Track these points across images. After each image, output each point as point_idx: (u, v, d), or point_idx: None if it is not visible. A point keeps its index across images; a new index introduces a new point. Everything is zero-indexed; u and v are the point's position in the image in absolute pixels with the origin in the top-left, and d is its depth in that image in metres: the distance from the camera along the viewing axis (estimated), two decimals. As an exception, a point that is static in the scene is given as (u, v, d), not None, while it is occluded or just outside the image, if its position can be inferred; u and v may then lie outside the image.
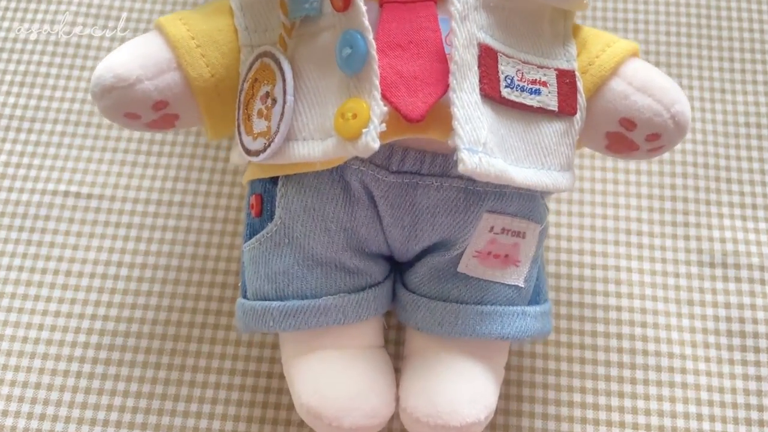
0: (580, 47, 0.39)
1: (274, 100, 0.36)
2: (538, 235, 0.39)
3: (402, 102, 0.33)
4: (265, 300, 0.39)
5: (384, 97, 0.33)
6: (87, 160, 0.51)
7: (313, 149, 0.35)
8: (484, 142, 0.33)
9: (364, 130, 0.32)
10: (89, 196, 0.50)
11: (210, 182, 0.50)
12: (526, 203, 0.38)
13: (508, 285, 0.39)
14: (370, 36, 0.33)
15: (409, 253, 0.39)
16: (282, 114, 0.35)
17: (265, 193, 0.39)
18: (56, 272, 0.47)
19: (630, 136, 0.39)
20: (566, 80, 0.38)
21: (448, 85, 0.34)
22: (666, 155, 0.52)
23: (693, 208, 0.50)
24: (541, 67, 0.37)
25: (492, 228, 0.38)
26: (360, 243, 0.38)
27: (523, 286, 0.39)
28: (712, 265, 0.49)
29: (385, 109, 0.32)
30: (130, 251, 0.48)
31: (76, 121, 0.52)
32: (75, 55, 0.55)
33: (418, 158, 0.36)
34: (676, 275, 0.48)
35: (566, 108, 0.37)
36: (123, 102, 0.37)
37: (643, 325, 0.47)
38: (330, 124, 0.34)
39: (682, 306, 0.48)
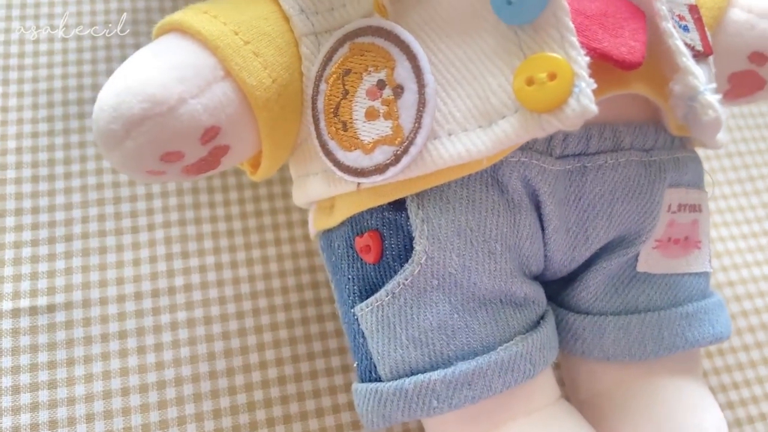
0: (681, -20, 0.33)
1: (399, 88, 0.25)
2: (708, 205, 0.32)
3: (609, 45, 0.24)
4: (415, 373, 0.27)
5: (581, 44, 0.24)
6: (31, 259, 0.35)
7: (475, 143, 0.25)
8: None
9: (574, 91, 0.23)
10: (50, 308, 0.34)
11: (216, 251, 0.37)
12: (697, 168, 0.31)
13: (697, 273, 0.31)
14: None
15: (573, 264, 0.30)
16: (421, 102, 0.25)
17: (384, 228, 0.27)
18: (34, 427, 0.32)
19: (760, 71, 0.33)
20: (695, 15, 0.31)
21: (644, 18, 0.25)
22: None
23: (750, 160, 0.46)
24: (677, 2, 0.30)
25: (669, 207, 0.30)
26: (522, 263, 0.28)
27: (710, 270, 0.31)
28: (790, 214, 0.45)
29: (588, 59, 0.23)
30: (134, 370, 0.34)
31: (1, 210, 0.36)
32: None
33: (583, 134, 0.27)
34: (765, 233, 0.44)
35: (707, 47, 0.31)
36: (162, 136, 0.24)
37: (761, 294, 0.42)
38: (500, 100, 0.24)
39: (786, 264, 0.43)
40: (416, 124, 0.25)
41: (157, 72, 0.25)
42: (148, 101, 0.24)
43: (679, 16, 0.30)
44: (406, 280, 0.27)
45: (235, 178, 0.39)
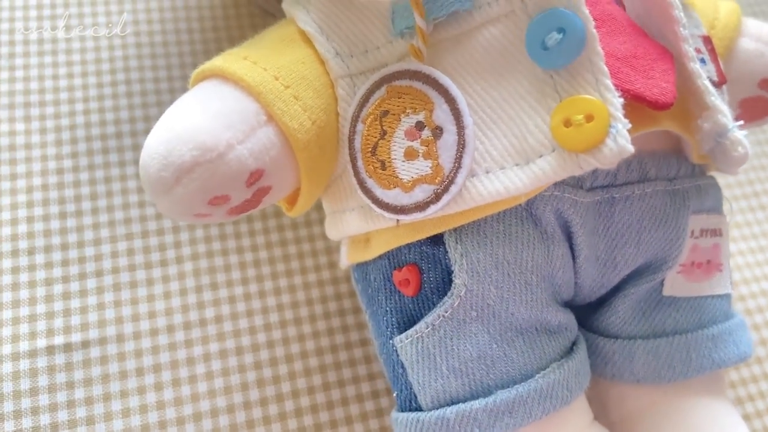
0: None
1: (439, 130, 0.26)
2: (728, 229, 0.33)
3: (642, 87, 0.25)
4: (456, 403, 0.28)
5: (615, 86, 0.25)
6: (62, 296, 0.36)
7: (513, 180, 0.26)
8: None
9: (611, 131, 0.24)
10: (85, 345, 0.35)
11: (244, 281, 0.38)
12: (717, 194, 0.32)
13: (720, 296, 0.32)
14: (586, 9, 0.24)
15: (602, 290, 0.31)
16: (461, 143, 0.26)
17: (423, 261, 0.28)
18: (75, 465, 0.32)
19: (770, 97, 0.35)
20: (709, 47, 0.32)
21: (672, 59, 0.26)
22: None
23: (753, 176, 0.48)
24: (691, 36, 0.32)
25: (692, 232, 0.31)
26: (555, 291, 0.29)
27: (731, 292, 0.32)
28: (794, 228, 0.46)
29: (622, 100, 0.24)
30: (170, 403, 0.34)
31: (29, 248, 0.37)
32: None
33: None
34: (772, 247, 0.45)
35: (721, 77, 0.32)
36: (212, 182, 0.25)
37: (771, 308, 0.43)
38: (537, 140, 0.25)
39: (792, 277, 0.44)
40: (456, 164, 0.26)
41: (205, 119, 0.25)
42: (198, 148, 0.25)
43: (696, 49, 0.31)
44: (446, 312, 0.28)
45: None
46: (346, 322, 0.38)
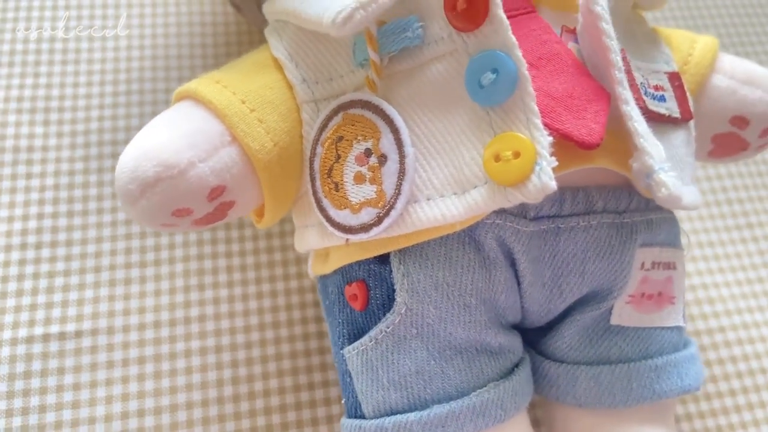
0: (667, 47, 0.35)
1: (383, 157, 0.28)
2: (684, 263, 0.33)
3: (571, 127, 0.26)
4: (395, 413, 0.30)
5: (545, 125, 0.26)
6: (62, 288, 0.39)
7: (449, 208, 0.27)
8: (666, 159, 0.27)
9: (536, 169, 0.25)
10: (78, 334, 0.38)
11: (230, 284, 0.40)
12: (671, 228, 0.33)
13: (670, 328, 0.33)
14: (519, 52, 0.26)
15: (549, 316, 0.32)
16: (402, 171, 0.28)
17: (370, 278, 0.30)
18: (58, 444, 0.35)
19: (742, 134, 0.35)
20: (676, 83, 0.33)
21: (608, 100, 0.28)
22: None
23: (749, 207, 0.48)
24: (654, 72, 0.33)
25: (643, 264, 0.32)
26: (498, 315, 0.31)
27: (684, 325, 0.33)
28: (787, 262, 0.46)
29: (551, 139, 0.26)
30: (150, 393, 0.37)
31: (36, 243, 0.40)
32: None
33: (557, 198, 0.29)
34: (760, 280, 0.45)
35: (685, 113, 0.33)
36: (173, 196, 0.28)
37: (750, 341, 0.43)
38: (471, 171, 0.27)
39: (776, 312, 0.44)
40: (397, 191, 0.28)
41: (170, 138, 0.28)
42: (161, 165, 0.27)
43: (655, 87, 0.32)
44: (388, 328, 0.29)
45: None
46: (322, 328, 0.40)
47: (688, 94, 0.34)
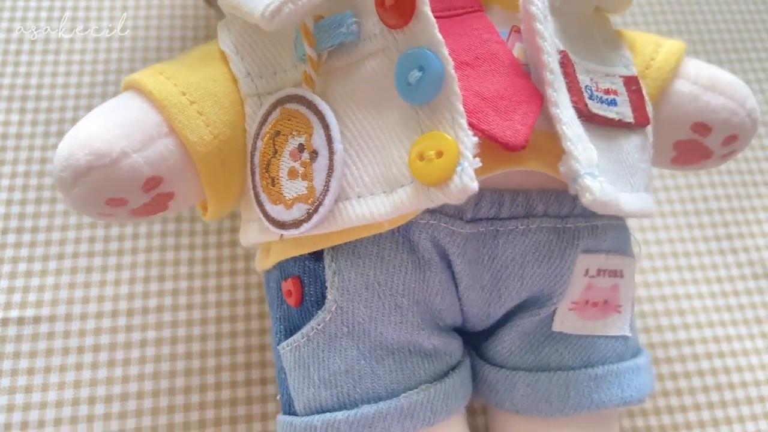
0: (629, 51, 0.34)
1: (315, 153, 0.28)
2: (633, 272, 0.33)
3: (496, 128, 0.26)
4: (325, 411, 0.29)
5: (471, 125, 0.26)
6: (25, 274, 0.40)
7: (377, 206, 0.27)
8: (597, 164, 0.27)
9: (457, 169, 0.25)
10: (36, 320, 0.38)
11: (190, 276, 0.41)
12: (619, 235, 0.32)
13: (614, 337, 0.32)
14: (445, 51, 0.25)
15: (490, 320, 0.32)
16: (330, 168, 0.27)
17: (305, 275, 0.30)
18: (7, 427, 0.36)
19: (705, 142, 0.34)
20: (633, 87, 0.32)
21: (540, 102, 0.27)
22: (689, 167, 0.48)
23: (731, 218, 0.46)
24: (608, 75, 0.32)
25: (587, 271, 0.31)
26: (434, 317, 0.30)
27: (629, 335, 0.32)
28: (766, 275, 0.45)
29: (476, 139, 0.25)
30: (102, 381, 0.37)
31: (2, 228, 0.41)
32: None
33: (495, 200, 0.29)
34: (736, 293, 0.44)
35: (640, 118, 0.32)
36: (105, 185, 0.28)
37: (720, 355, 0.42)
38: (399, 170, 0.27)
39: (751, 326, 0.43)
40: (325, 187, 0.27)
41: (105, 128, 0.28)
42: (93, 154, 0.27)
43: (606, 90, 0.31)
44: (319, 325, 0.29)
45: (216, 209, 0.43)
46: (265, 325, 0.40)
47: (646, 98, 0.33)
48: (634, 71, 0.33)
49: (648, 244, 0.45)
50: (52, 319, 0.39)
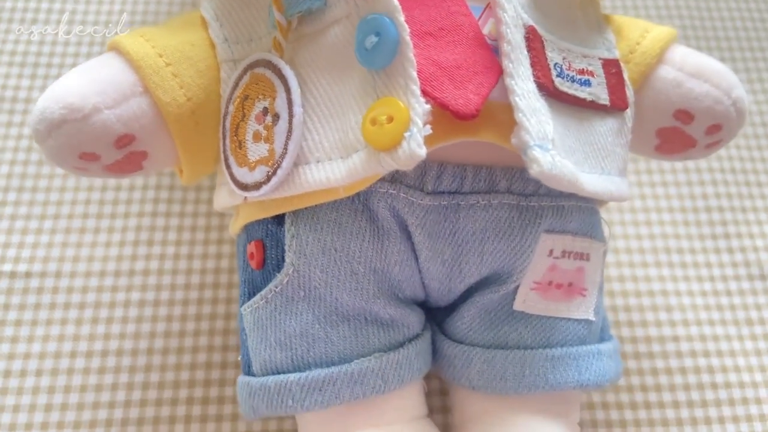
0: (615, 34, 0.34)
1: (276, 116, 0.28)
2: (602, 256, 0.32)
3: (449, 96, 0.26)
4: (279, 373, 0.30)
5: (425, 92, 0.26)
6: (21, 231, 0.41)
7: (333, 171, 0.27)
8: (552, 139, 0.26)
9: (405, 134, 0.25)
10: (28, 275, 0.40)
11: (178, 242, 0.42)
12: (587, 218, 0.32)
13: (577, 320, 0.32)
14: (401, 17, 0.26)
15: (451, 295, 0.32)
16: (289, 131, 0.28)
17: (267, 238, 0.30)
18: (-8, 374, 0.37)
19: (687, 130, 0.33)
20: (612, 70, 0.32)
21: (499, 74, 0.27)
22: (690, 162, 0.47)
23: (730, 217, 0.45)
24: (585, 57, 0.31)
25: (551, 252, 0.31)
26: (393, 287, 0.30)
27: (593, 319, 0.32)
28: (762, 277, 0.43)
29: (428, 107, 0.25)
30: (85, 337, 0.39)
31: (5, 186, 0.42)
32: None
33: (458, 174, 0.29)
34: (728, 293, 0.43)
35: (617, 102, 0.32)
36: (77, 139, 0.29)
37: (706, 354, 0.41)
38: (354, 135, 0.27)
39: (741, 327, 0.42)
40: (284, 150, 0.28)
41: (80, 84, 0.29)
42: (66, 108, 0.28)
43: (580, 70, 0.31)
44: (277, 287, 0.30)
45: (209, 179, 0.44)
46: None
47: (627, 83, 0.32)
48: (616, 54, 0.33)
49: (640, 239, 0.44)
50: (43, 275, 0.40)
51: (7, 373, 0.37)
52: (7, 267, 0.40)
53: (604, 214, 0.43)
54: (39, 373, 0.38)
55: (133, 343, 0.39)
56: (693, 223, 0.45)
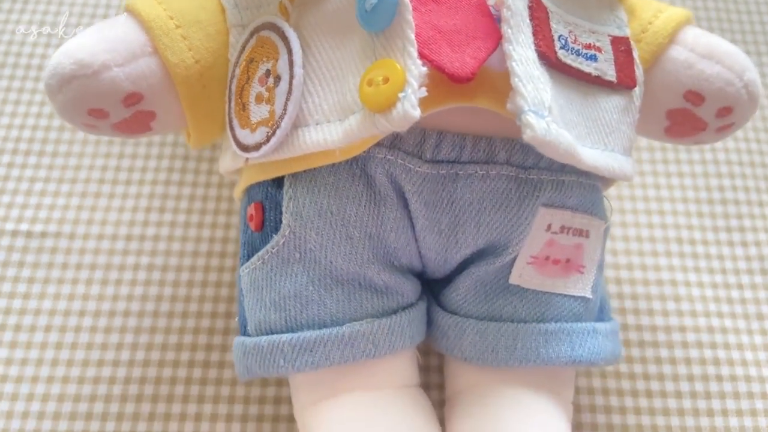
0: (628, 14, 0.34)
1: (278, 78, 0.29)
2: (603, 234, 0.32)
3: (446, 59, 0.26)
4: (273, 333, 0.30)
5: (422, 55, 0.26)
6: (40, 193, 0.42)
7: (331, 133, 0.28)
8: (549, 107, 0.26)
9: (400, 95, 0.25)
10: (43, 235, 0.41)
11: (189, 211, 0.42)
12: (588, 195, 0.31)
13: (574, 297, 0.31)
14: None
15: (448, 265, 0.32)
16: (289, 91, 0.28)
17: (266, 200, 0.31)
18: (3, 327, 0.38)
19: (697, 112, 0.33)
20: (621, 48, 0.32)
21: (498, 40, 0.27)
22: (708, 154, 0.46)
23: (746, 210, 0.44)
24: (593, 32, 0.31)
25: (549, 226, 0.31)
26: (388, 254, 0.31)
27: (590, 297, 0.32)
28: (776, 272, 0.42)
29: (424, 69, 0.26)
30: (94, 297, 0.40)
31: (27, 150, 0.44)
32: None
33: (457, 143, 0.29)
34: (740, 286, 0.42)
35: (625, 80, 0.31)
36: (87, 94, 0.30)
37: (713, 346, 0.40)
38: (352, 97, 0.27)
39: (751, 321, 0.41)
40: (283, 111, 0.28)
41: (91, 41, 0.30)
42: (77, 64, 0.29)
43: (587, 45, 0.31)
44: (273, 249, 0.30)
45: (223, 151, 0.44)
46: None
47: (637, 61, 0.32)
48: (626, 33, 0.33)
49: (652, 227, 0.43)
50: (57, 236, 0.41)
51: (18, 327, 0.38)
52: (24, 226, 0.41)
53: (613, 193, 0.43)
54: (48, 329, 0.39)
55: (140, 305, 0.40)
56: (707, 215, 0.44)
